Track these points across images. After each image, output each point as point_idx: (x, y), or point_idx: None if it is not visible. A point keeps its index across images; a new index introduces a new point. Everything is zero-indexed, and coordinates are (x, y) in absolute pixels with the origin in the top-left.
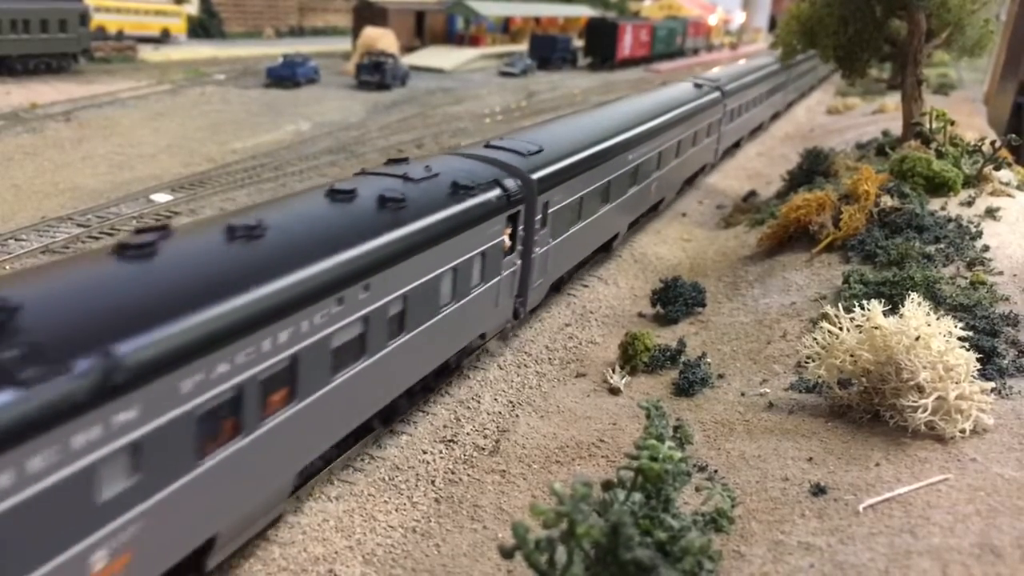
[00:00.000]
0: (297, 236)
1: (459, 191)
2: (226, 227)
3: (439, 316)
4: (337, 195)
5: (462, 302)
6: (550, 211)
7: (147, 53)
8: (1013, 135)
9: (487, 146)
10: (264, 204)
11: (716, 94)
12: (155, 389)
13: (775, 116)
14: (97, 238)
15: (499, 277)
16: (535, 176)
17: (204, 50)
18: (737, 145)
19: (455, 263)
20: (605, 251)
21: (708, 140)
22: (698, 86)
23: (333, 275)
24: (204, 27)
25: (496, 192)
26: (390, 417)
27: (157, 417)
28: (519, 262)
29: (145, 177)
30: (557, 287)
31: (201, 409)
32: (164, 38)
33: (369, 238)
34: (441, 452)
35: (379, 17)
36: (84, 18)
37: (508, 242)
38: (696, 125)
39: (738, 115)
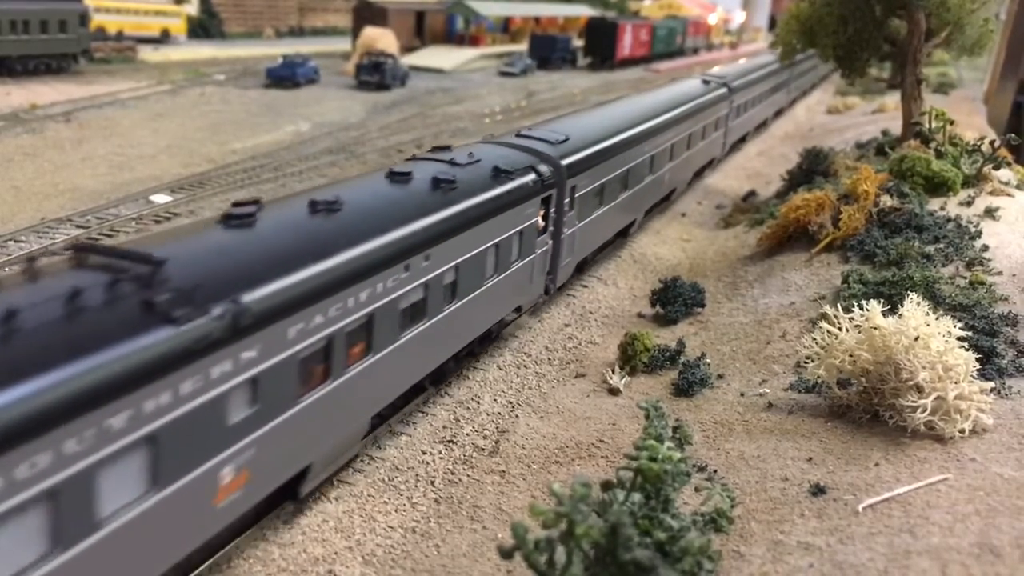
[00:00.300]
0: (368, 211)
1: (500, 175)
2: (309, 201)
3: (484, 287)
4: (396, 177)
5: (503, 275)
6: (577, 195)
7: (147, 53)
8: (1012, 135)
9: (519, 135)
10: (334, 184)
11: (723, 90)
12: (270, 333)
13: (779, 112)
14: (96, 239)
15: (534, 255)
16: (564, 162)
17: (204, 50)
18: (743, 139)
19: (497, 240)
20: (623, 236)
21: (716, 134)
22: (706, 82)
23: (401, 245)
24: (204, 27)
25: (532, 176)
26: (440, 379)
27: (271, 357)
28: (551, 242)
29: (145, 178)
30: (580, 268)
31: (302, 354)
32: (164, 38)
33: (428, 214)
34: (441, 453)
35: (379, 17)
36: (84, 19)
37: (541, 223)
38: (705, 120)
39: (744, 111)
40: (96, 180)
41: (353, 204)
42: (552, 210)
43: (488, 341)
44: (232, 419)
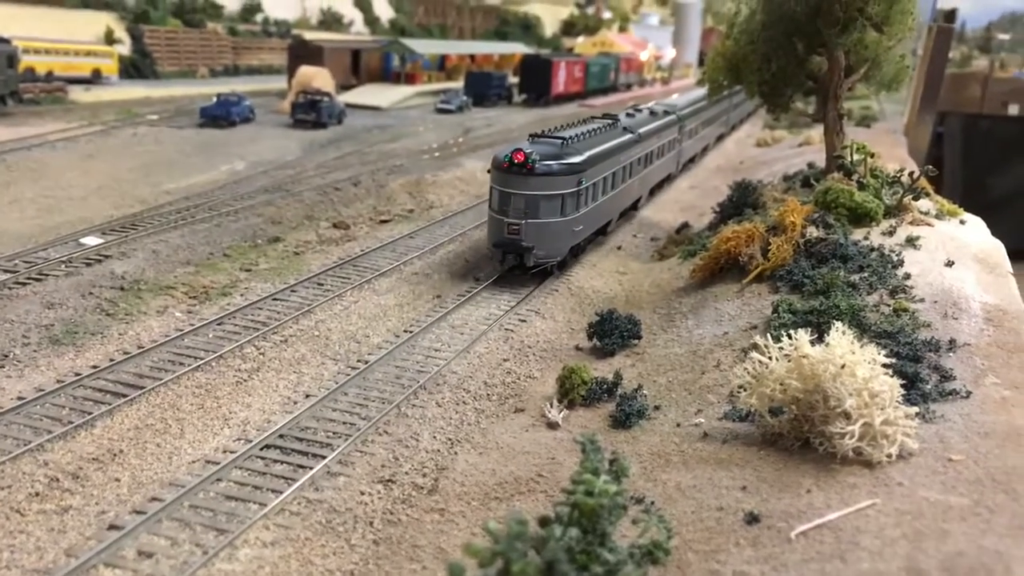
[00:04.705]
0: (639, 119)
1: (665, 114)
2: (625, 113)
3: (665, 157)
4: (635, 110)
5: (669, 155)
6: (685, 129)
7: (78, 94)
8: (930, 166)
9: (656, 104)
10: (609, 108)
11: (726, 92)
12: (645, 143)
13: (754, 110)
14: (24, 283)
15: (674, 152)
16: (680, 114)
17: (136, 90)
18: (733, 129)
19: (667, 140)
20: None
21: (725, 117)
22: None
23: (652, 130)
24: (136, 67)
25: (674, 116)
26: (652, 190)
27: (645, 150)
28: (679, 148)
29: (75, 220)
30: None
31: (647, 152)
32: (95, 79)
33: (656, 121)
34: (379, 492)
35: (314, 55)
36: (12, 60)
37: (677, 139)
38: (720, 109)
39: (736, 108)
40: (24, 223)
41: (635, 116)
42: (679, 135)
43: (659, 187)
44: (635, 171)
